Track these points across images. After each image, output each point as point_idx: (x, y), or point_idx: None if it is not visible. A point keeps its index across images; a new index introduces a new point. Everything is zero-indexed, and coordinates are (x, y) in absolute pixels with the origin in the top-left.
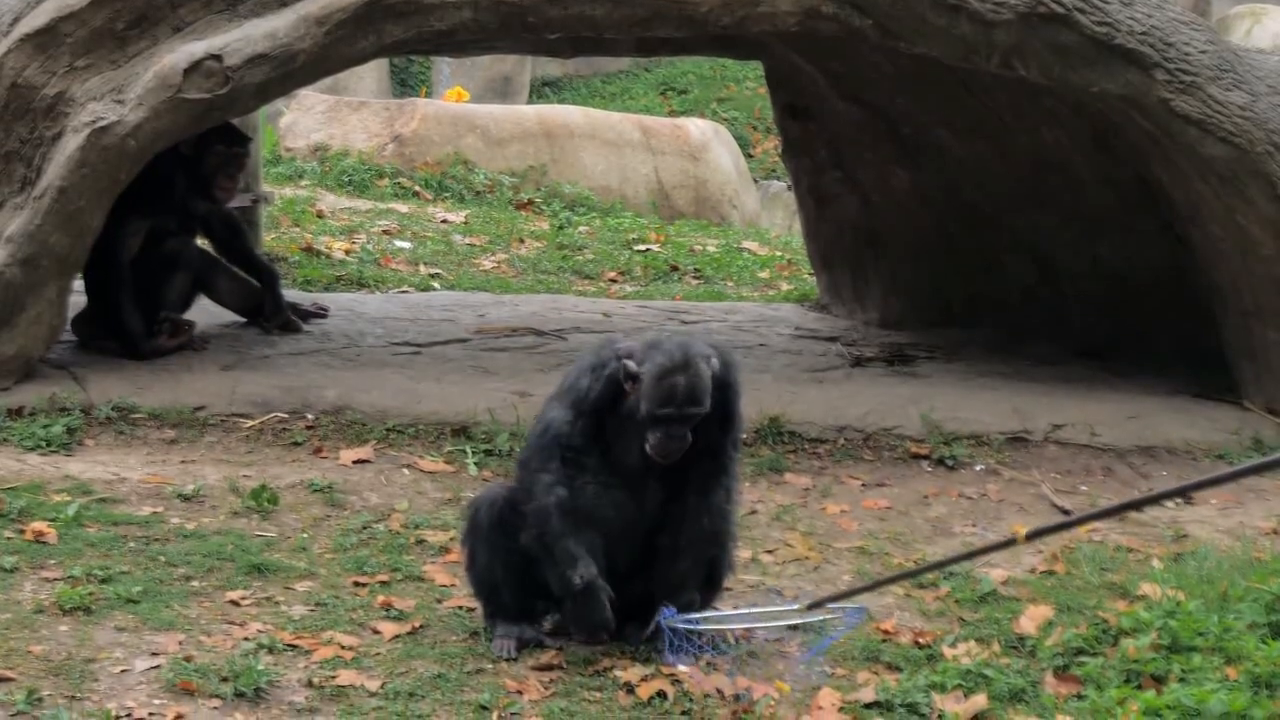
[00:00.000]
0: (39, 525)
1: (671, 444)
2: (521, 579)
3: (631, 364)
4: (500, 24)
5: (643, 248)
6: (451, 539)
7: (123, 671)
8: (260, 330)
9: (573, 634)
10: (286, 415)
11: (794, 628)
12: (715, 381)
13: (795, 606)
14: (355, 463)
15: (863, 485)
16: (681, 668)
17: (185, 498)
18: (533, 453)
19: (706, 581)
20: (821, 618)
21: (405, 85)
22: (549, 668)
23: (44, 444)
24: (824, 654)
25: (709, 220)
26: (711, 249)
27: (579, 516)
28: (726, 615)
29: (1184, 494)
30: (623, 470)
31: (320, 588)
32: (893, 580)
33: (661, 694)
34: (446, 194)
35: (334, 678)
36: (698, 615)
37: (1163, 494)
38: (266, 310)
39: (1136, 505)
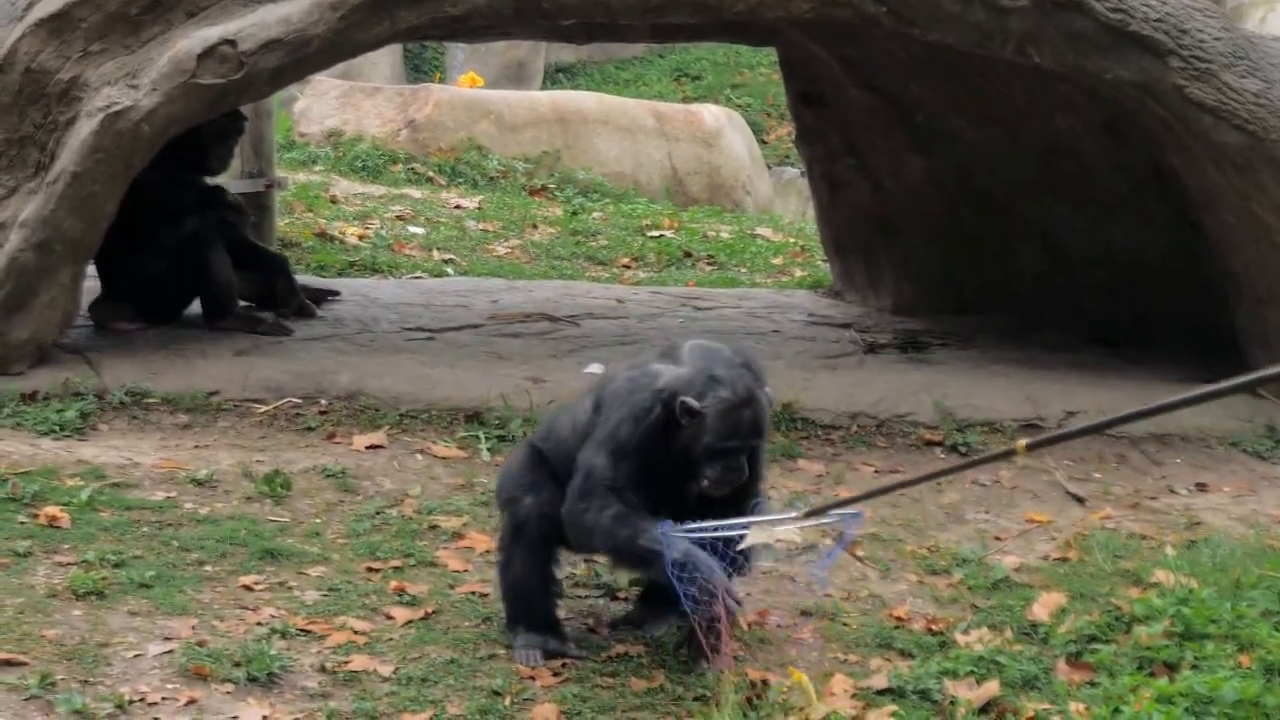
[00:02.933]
0: (52, 510)
1: (731, 475)
2: (557, 585)
3: (692, 401)
4: (514, 10)
5: (656, 234)
6: (465, 524)
7: (136, 656)
8: (274, 316)
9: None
10: (300, 400)
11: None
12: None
13: (794, 514)
14: (368, 448)
15: (876, 472)
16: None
17: (198, 483)
18: (577, 499)
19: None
20: (817, 523)
21: (419, 71)
22: (561, 655)
23: (58, 428)
24: (832, 564)
25: (722, 206)
26: (725, 235)
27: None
28: (726, 524)
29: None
30: (659, 501)
31: (333, 573)
32: (889, 490)
33: (673, 680)
34: (460, 180)
35: (347, 663)
36: (695, 525)
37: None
38: (279, 296)
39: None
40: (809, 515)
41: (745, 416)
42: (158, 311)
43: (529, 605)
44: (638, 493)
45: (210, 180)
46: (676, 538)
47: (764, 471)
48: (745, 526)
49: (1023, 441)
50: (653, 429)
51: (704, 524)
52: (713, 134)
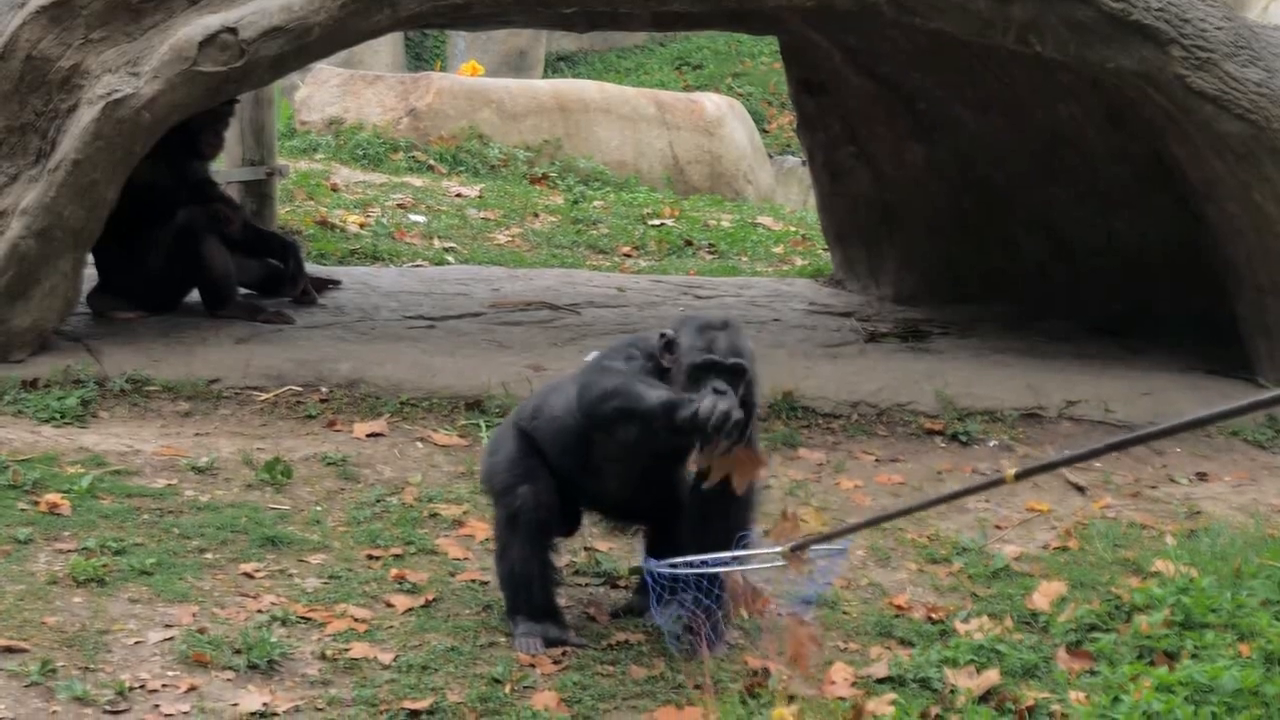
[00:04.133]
0: (53, 497)
1: (720, 403)
2: (556, 581)
3: (668, 331)
4: None
5: (657, 222)
6: (465, 512)
7: (136, 643)
8: (276, 302)
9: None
10: (300, 388)
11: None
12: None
13: (777, 549)
14: (369, 436)
15: (876, 461)
16: (663, 623)
17: (199, 470)
18: (583, 383)
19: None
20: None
21: (420, 59)
22: (561, 643)
23: (58, 416)
24: (818, 600)
25: (723, 195)
26: (726, 224)
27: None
28: (708, 559)
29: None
30: (655, 500)
31: (333, 561)
32: (873, 523)
33: (674, 668)
34: (461, 168)
35: (347, 650)
36: (680, 560)
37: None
38: (288, 274)
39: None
40: (794, 549)
41: (721, 336)
42: (155, 303)
43: (528, 594)
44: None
45: (203, 171)
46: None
47: (756, 501)
48: (729, 561)
49: (1011, 471)
50: (646, 362)
51: (689, 558)
52: (714, 123)
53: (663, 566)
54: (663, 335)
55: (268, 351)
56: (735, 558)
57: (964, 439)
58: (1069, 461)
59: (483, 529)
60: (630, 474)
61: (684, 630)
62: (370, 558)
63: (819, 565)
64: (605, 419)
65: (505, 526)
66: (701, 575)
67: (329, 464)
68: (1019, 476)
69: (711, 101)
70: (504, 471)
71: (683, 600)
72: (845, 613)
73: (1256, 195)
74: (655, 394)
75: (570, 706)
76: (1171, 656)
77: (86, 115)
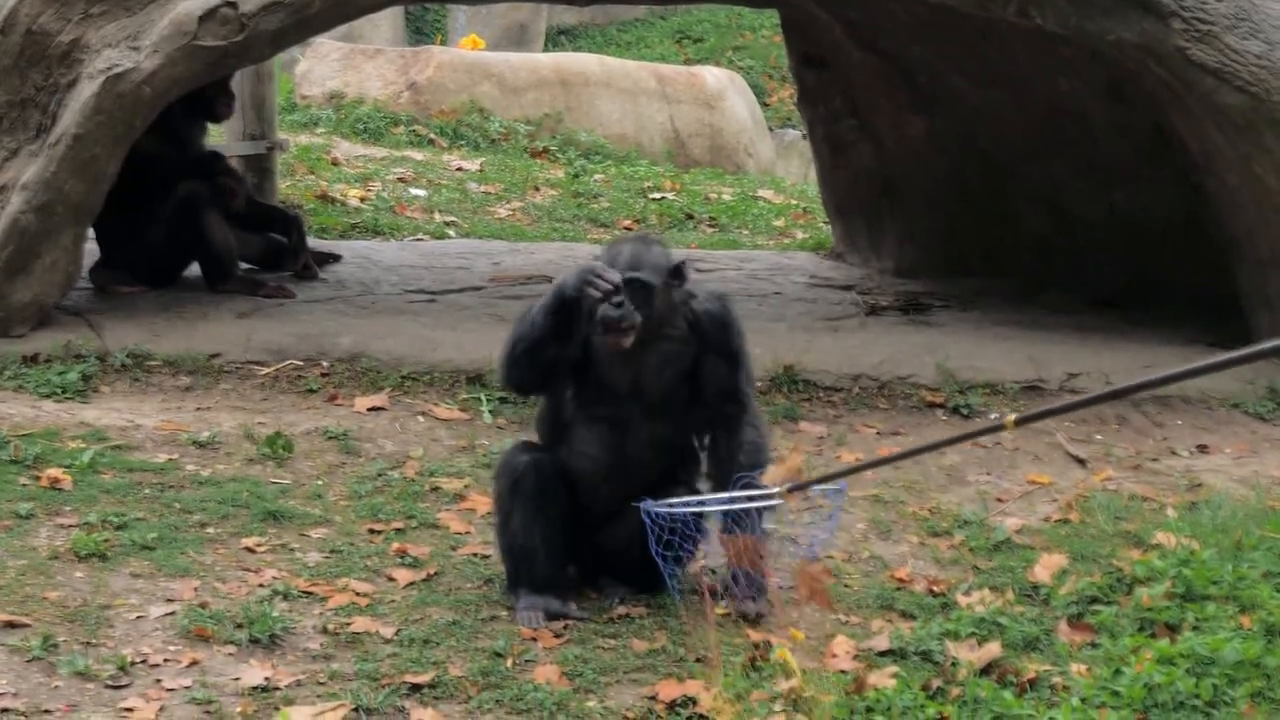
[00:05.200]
0: (54, 472)
1: (610, 313)
2: (558, 544)
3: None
4: None
5: (658, 196)
6: (466, 486)
7: (138, 618)
8: (277, 277)
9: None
10: (302, 363)
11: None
12: (712, 319)
13: (775, 490)
14: (370, 410)
15: (877, 434)
16: (661, 564)
17: (200, 445)
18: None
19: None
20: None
21: (421, 33)
22: (563, 616)
23: (59, 391)
24: (829, 540)
25: (724, 169)
26: (727, 197)
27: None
28: (705, 499)
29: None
30: (605, 401)
31: (335, 535)
32: (871, 466)
33: (675, 642)
34: (462, 142)
35: (349, 624)
36: (677, 500)
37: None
38: (290, 248)
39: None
40: (792, 490)
41: (624, 248)
42: (156, 277)
43: (530, 565)
44: (580, 383)
45: (204, 143)
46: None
47: (747, 400)
48: (728, 501)
49: (1011, 416)
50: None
51: (687, 499)
52: (714, 96)
53: (660, 506)
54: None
55: (269, 326)
56: (733, 498)
57: (965, 412)
58: (1070, 408)
59: (484, 503)
60: (613, 441)
61: (681, 570)
62: (371, 532)
63: (820, 510)
64: (519, 369)
65: (507, 496)
66: (698, 514)
67: (330, 438)
68: (1019, 423)
69: (712, 75)
70: (509, 448)
71: (680, 541)
72: (847, 586)
73: (1257, 167)
74: (536, 304)
75: (571, 680)
76: (1173, 629)
77: (87, 90)
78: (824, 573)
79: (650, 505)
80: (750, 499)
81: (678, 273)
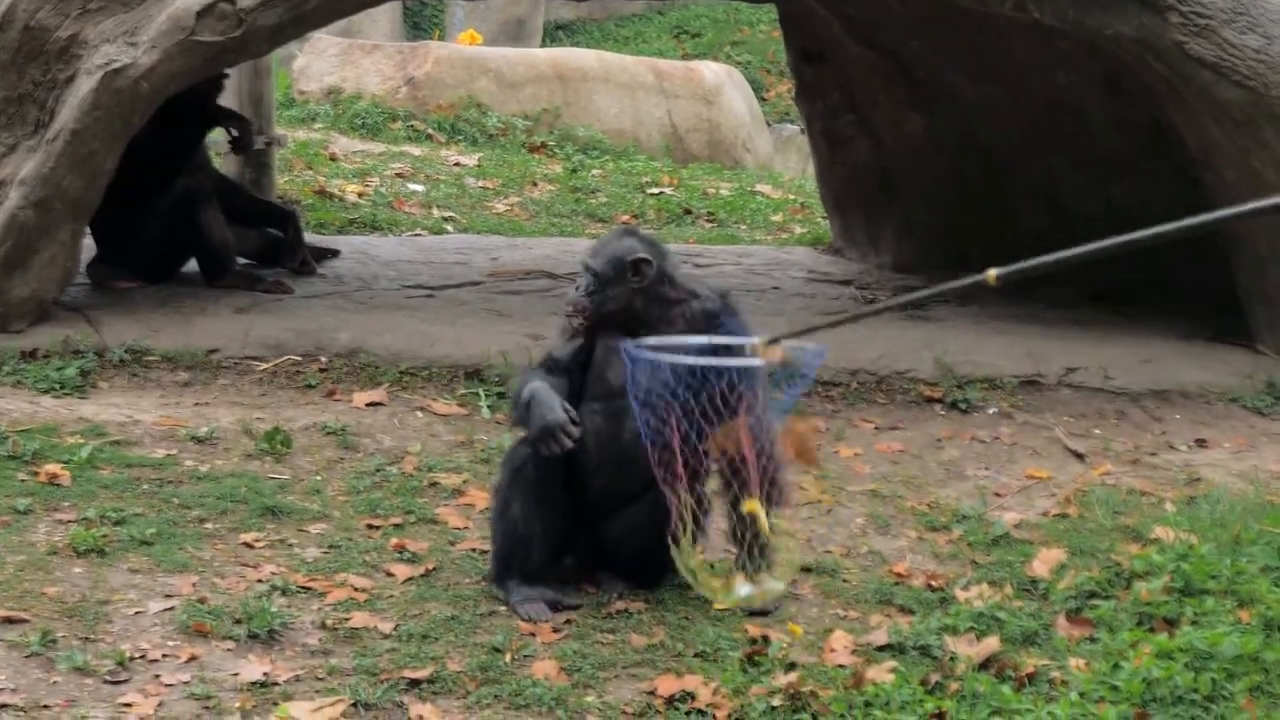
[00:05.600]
0: (53, 467)
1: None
2: (554, 536)
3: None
4: None
5: (656, 191)
6: (465, 481)
7: (136, 613)
8: (275, 272)
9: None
10: (300, 358)
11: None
12: (710, 318)
13: (755, 340)
14: (368, 405)
15: (876, 428)
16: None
17: (199, 440)
18: (523, 373)
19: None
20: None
21: (418, 28)
22: (560, 604)
23: (58, 386)
24: (801, 394)
25: (722, 164)
26: (725, 192)
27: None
28: (686, 342)
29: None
30: (604, 394)
31: (333, 530)
32: (852, 319)
33: (674, 636)
34: (459, 137)
35: (347, 620)
36: (655, 341)
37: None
38: (287, 244)
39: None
40: (772, 342)
41: (598, 243)
42: (154, 272)
43: (524, 555)
44: (567, 370)
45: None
46: (639, 354)
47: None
48: (709, 344)
49: (992, 272)
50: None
51: (669, 339)
52: (712, 91)
53: (643, 349)
54: (583, 263)
55: (267, 321)
56: (714, 345)
57: (963, 406)
58: (1055, 262)
59: (482, 498)
60: (611, 433)
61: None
62: (370, 527)
63: (797, 363)
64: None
65: (507, 485)
66: (682, 363)
67: (328, 433)
68: (1000, 279)
69: (710, 70)
70: (512, 400)
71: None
72: (845, 580)
73: (1255, 162)
74: (517, 394)
75: (570, 675)
76: (1171, 623)
77: (85, 85)
78: (811, 430)
79: (629, 345)
80: (729, 348)
81: (635, 268)
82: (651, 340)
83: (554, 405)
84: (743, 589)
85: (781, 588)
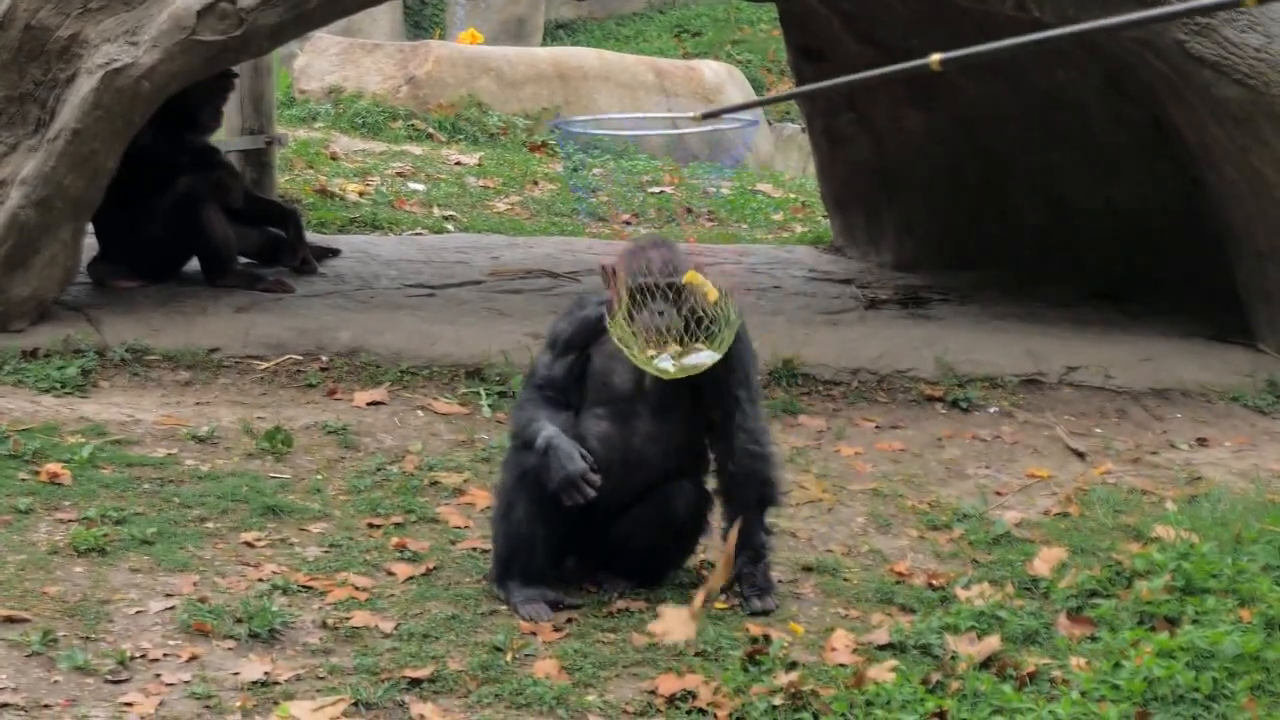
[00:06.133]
0: (54, 467)
1: (656, 322)
2: (557, 539)
3: (606, 263)
4: None
5: (656, 190)
6: (466, 481)
7: (137, 613)
8: (276, 271)
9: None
10: (301, 357)
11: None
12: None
13: (690, 115)
14: (369, 405)
15: (876, 427)
16: (578, 201)
17: (200, 439)
18: (520, 399)
19: (758, 501)
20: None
21: (419, 27)
22: (562, 604)
23: (58, 385)
24: (734, 169)
25: (722, 163)
26: (725, 191)
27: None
28: (623, 118)
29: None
30: (609, 399)
31: (334, 529)
32: (788, 97)
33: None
34: (460, 136)
35: (348, 619)
36: (587, 117)
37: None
38: (288, 243)
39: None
40: (705, 117)
41: (654, 255)
42: (155, 271)
43: (526, 557)
44: (564, 390)
45: (205, 140)
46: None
47: (750, 392)
48: (642, 123)
49: (936, 56)
50: (582, 323)
51: (596, 116)
52: (713, 90)
53: (575, 125)
54: (602, 267)
55: (268, 320)
56: (649, 118)
57: (964, 405)
58: (997, 50)
59: (483, 497)
60: (617, 437)
61: (595, 204)
62: (371, 526)
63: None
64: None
65: (512, 487)
66: (615, 135)
67: (329, 432)
68: (943, 64)
69: (710, 69)
70: (516, 432)
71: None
72: (846, 579)
73: (1255, 160)
74: (523, 433)
75: (571, 674)
76: (1172, 622)
77: (85, 85)
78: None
79: (560, 122)
80: (672, 120)
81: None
82: (584, 117)
83: (573, 455)
84: (664, 361)
85: (713, 358)
